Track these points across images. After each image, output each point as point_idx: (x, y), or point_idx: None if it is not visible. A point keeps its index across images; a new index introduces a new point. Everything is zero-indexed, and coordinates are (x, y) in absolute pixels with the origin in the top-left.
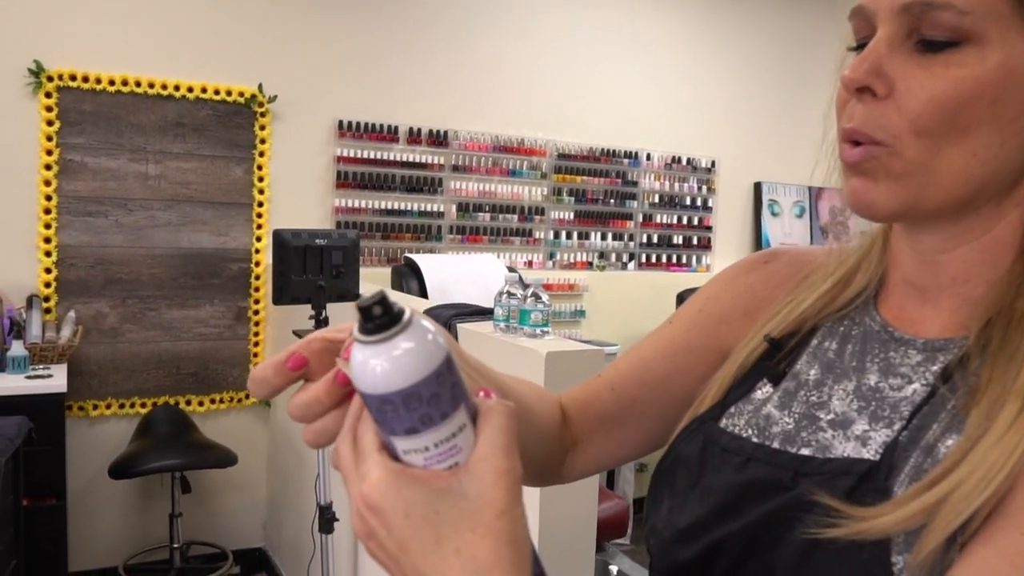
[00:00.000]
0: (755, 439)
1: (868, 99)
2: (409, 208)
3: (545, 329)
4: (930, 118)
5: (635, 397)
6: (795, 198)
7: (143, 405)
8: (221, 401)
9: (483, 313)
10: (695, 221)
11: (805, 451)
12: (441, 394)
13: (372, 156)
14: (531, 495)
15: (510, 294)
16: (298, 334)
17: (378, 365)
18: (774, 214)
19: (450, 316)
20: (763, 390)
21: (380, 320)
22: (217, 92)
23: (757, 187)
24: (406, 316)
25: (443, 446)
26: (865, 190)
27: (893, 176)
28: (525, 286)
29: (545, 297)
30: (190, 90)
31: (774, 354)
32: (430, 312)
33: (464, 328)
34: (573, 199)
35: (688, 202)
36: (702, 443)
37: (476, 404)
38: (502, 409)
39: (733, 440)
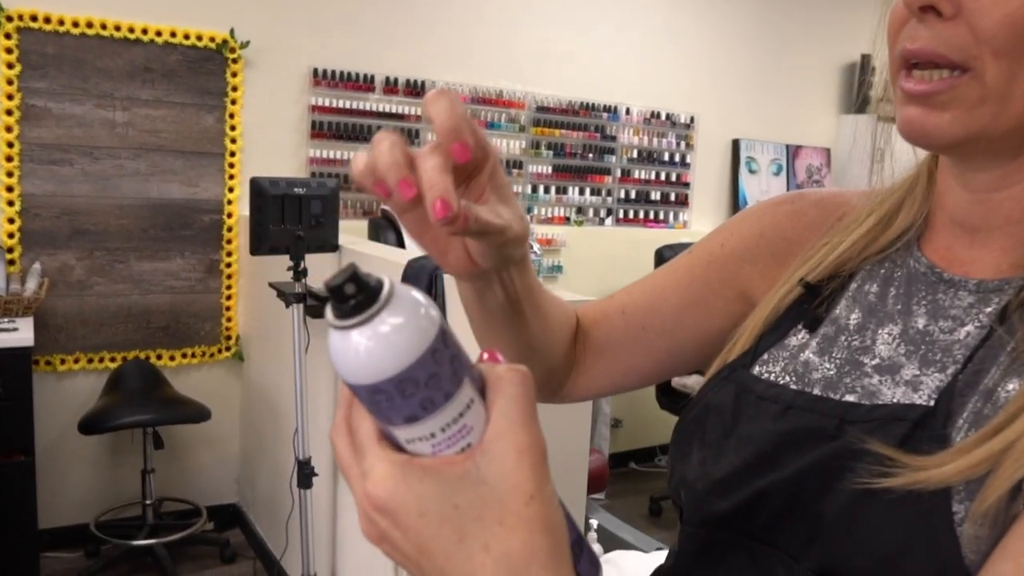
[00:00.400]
0: (794, 386)
1: (932, 19)
2: None
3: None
4: (1006, 38)
5: (646, 325)
6: (772, 156)
7: (112, 359)
8: (193, 355)
9: None
10: (673, 177)
11: (850, 397)
12: (440, 373)
13: (348, 106)
14: None
15: None
16: (275, 287)
17: (362, 351)
18: (751, 172)
19: (436, 266)
20: (798, 336)
21: (357, 299)
22: (187, 37)
23: (735, 144)
24: (386, 289)
25: (451, 429)
26: (924, 119)
27: (967, 105)
28: None
29: (536, 247)
30: (159, 34)
31: (809, 299)
32: (413, 263)
33: (452, 277)
34: (551, 153)
35: (666, 158)
36: (735, 391)
37: (483, 373)
38: (514, 376)
39: (770, 387)
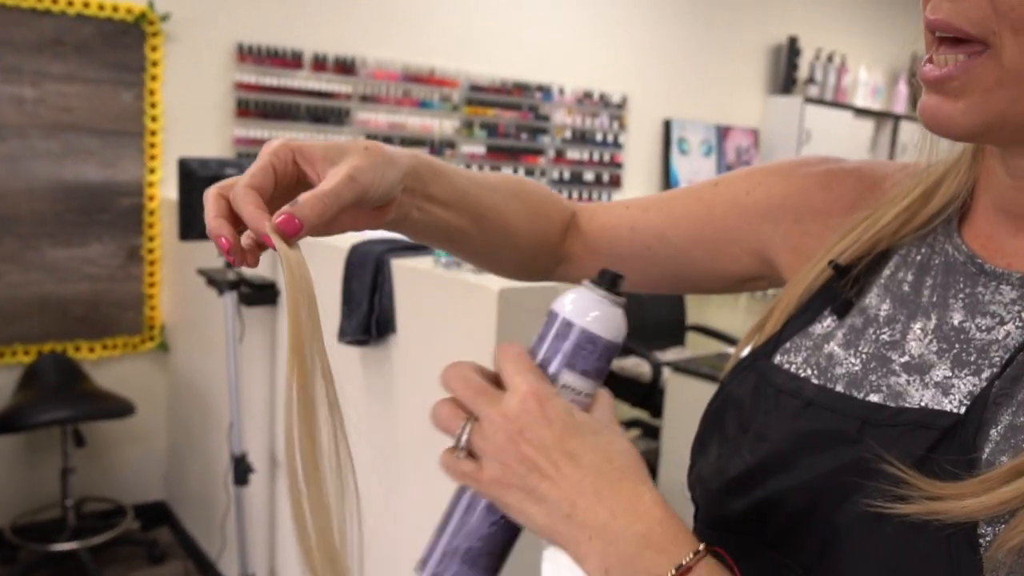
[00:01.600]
0: (815, 380)
1: None
2: (316, 140)
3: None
4: None
5: (651, 246)
6: (703, 136)
7: (26, 353)
8: (115, 347)
9: (419, 248)
10: (606, 158)
11: (874, 397)
12: (610, 362)
13: (275, 84)
14: None
15: None
16: (205, 274)
17: (619, 317)
18: (683, 152)
19: (382, 252)
20: (824, 323)
21: (616, 287)
22: (102, 8)
23: (667, 124)
24: (623, 298)
25: (586, 400)
26: (938, 107)
27: (982, 89)
28: None
29: None
30: (70, 4)
31: (839, 281)
32: (359, 247)
33: (400, 264)
34: (485, 133)
35: (599, 138)
36: (755, 382)
37: None
38: (608, 398)
39: (790, 380)
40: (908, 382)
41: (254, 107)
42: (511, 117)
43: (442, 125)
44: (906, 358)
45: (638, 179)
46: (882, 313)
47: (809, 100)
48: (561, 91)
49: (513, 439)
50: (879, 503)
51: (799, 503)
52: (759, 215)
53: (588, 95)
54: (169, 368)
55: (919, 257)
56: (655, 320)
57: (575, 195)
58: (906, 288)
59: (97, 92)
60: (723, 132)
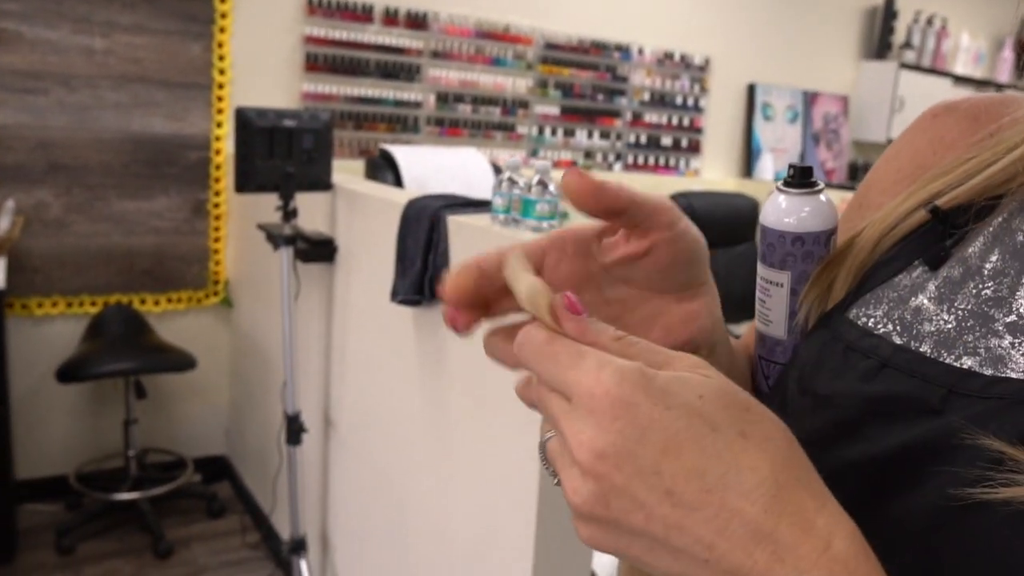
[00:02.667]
0: (897, 338)
1: None
2: (384, 96)
3: (553, 223)
4: None
5: None
6: (788, 102)
7: (93, 304)
8: (179, 300)
9: (477, 205)
10: (685, 122)
11: (967, 362)
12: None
13: (344, 38)
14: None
15: (512, 181)
16: (264, 228)
17: (824, 204)
18: (767, 118)
19: (439, 207)
20: (914, 274)
21: (808, 179)
22: None
23: (751, 89)
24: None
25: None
26: None
27: None
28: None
29: (552, 186)
30: None
31: (937, 230)
32: (415, 203)
33: (457, 221)
34: (559, 93)
35: (679, 102)
36: (823, 339)
37: None
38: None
39: (864, 336)
40: (1013, 345)
41: (322, 61)
42: (587, 77)
43: (515, 84)
44: (1013, 317)
45: (719, 145)
46: (988, 265)
47: (905, 66)
48: (640, 51)
49: (597, 474)
50: (972, 490)
51: (863, 482)
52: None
53: (669, 56)
54: (232, 324)
55: None
56: (729, 293)
57: (652, 160)
58: (1021, 238)
59: (166, 43)
60: (810, 98)
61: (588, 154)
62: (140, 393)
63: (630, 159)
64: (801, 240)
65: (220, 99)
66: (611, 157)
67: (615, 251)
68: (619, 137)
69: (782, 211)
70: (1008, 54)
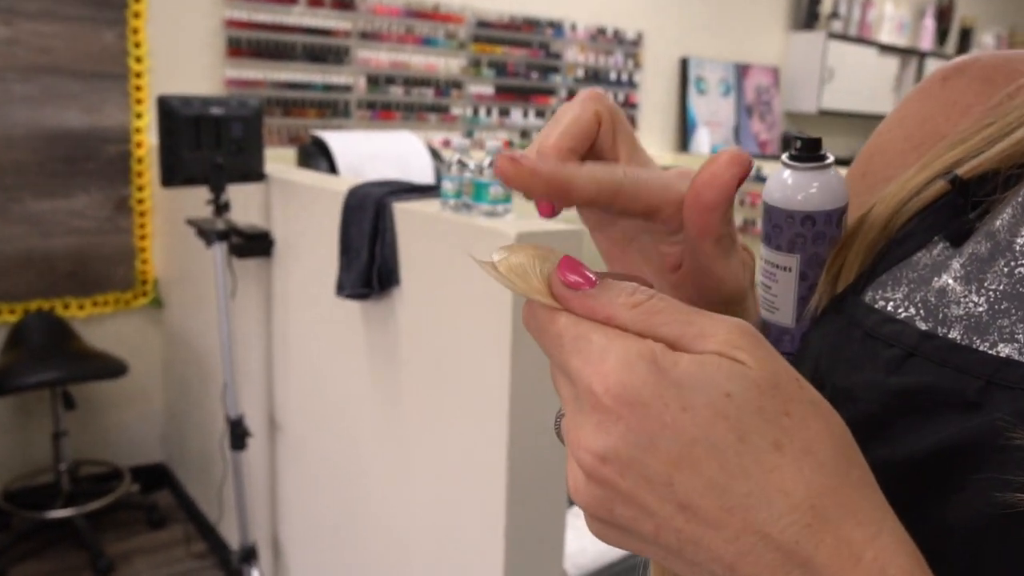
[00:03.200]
0: (921, 323)
1: None
2: (313, 81)
3: (507, 205)
4: None
5: None
6: (721, 75)
7: (12, 312)
8: (105, 303)
9: (424, 190)
10: (620, 98)
11: (1005, 349)
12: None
13: (268, 20)
14: (499, 446)
15: (462, 164)
16: (194, 224)
17: (833, 182)
18: (700, 92)
19: (383, 194)
20: (934, 251)
21: (817, 152)
22: None
23: (683, 63)
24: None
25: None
26: None
27: None
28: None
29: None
30: None
31: (958, 202)
32: (357, 191)
33: (403, 208)
34: (493, 72)
35: (613, 77)
36: (838, 326)
37: None
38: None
39: (885, 322)
40: None
41: (246, 46)
42: (520, 55)
43: (448, 64)
44: None
45: (654, 120)
46: (1020, 240)
47: (833, 36)
48: (573, 27)
49: (599, 478)
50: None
51: (894, 486)
52: (882, 184)
53: (601, 31)
54: (163, 325)
55: None
56: None
57: None
58: None
59: (76, 31)
60: (742, 71)
61: (524, 133)
62: (68, 403)
63: None
64: (812, 220)
65: (138, 88)
66: None
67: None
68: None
69: (789, 188)
70: (929, 22)
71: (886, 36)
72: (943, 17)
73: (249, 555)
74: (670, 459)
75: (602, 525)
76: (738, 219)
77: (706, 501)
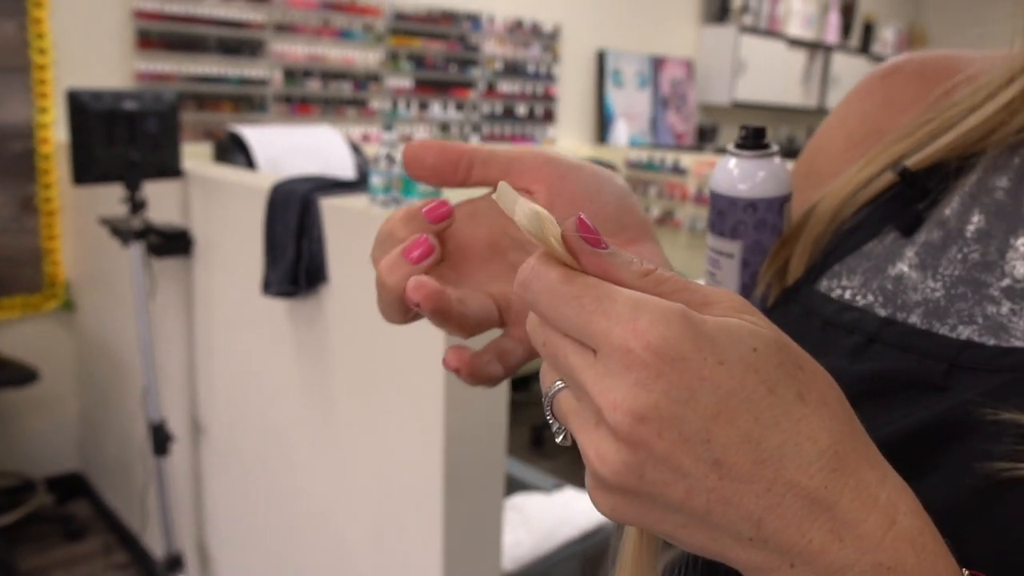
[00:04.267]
0: (881, 310)
1: None
2: (227, 74)
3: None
4: None
5: None
6: (637, 68)
7: None
8: (11, 307)
9: (350, 186)
10: (539, 91)
11: (965, 332)
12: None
13: (179, 12)
14: (434, 441)
15: (390, 159)
16: (108, 223)
17: (777, 170)
18: (617, 84)
19: (309, 190)
20: (886, 241)
21: (762, 141)
22: None
23: (600, 56)
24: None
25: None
26: None
27: None
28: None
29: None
30: None
31: (907, 195)
32: (281, 187)
33: (331, 204)
34: (412, 65)
35: (531, 70)
36: (796, 314)
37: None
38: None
39: (844, 310)
40: (1013, 312)
41: (157, 38)
42: (439, 48)
43: (366, 57)
44: (1008, 281)
45: (573, 113)
46: (970, 227)
47: (744, 29)
48: (491, 19)
49: (634, 441)
50: (1006, 465)
51: None
52: (825, 182)
53: (519, 24)
54: (76, 329)
55: (1017, 160)
56: None
57: (508, 131)
58: (1002, 196)
59: None
60: (658, 63)
61: (444, 127)
62: None
63: (486, 130)
64: (754, 207)
65: (42, 82)
66: (467, 129)
67: None
68: (474, 108)
69: (734, 176)
70: (834, 16)
71: (794, 30)
72: (847, 12)
73: (175, 564)
74: (708, 413)
75: (624, 498)
76: (656, 211)
77: (740, 455)
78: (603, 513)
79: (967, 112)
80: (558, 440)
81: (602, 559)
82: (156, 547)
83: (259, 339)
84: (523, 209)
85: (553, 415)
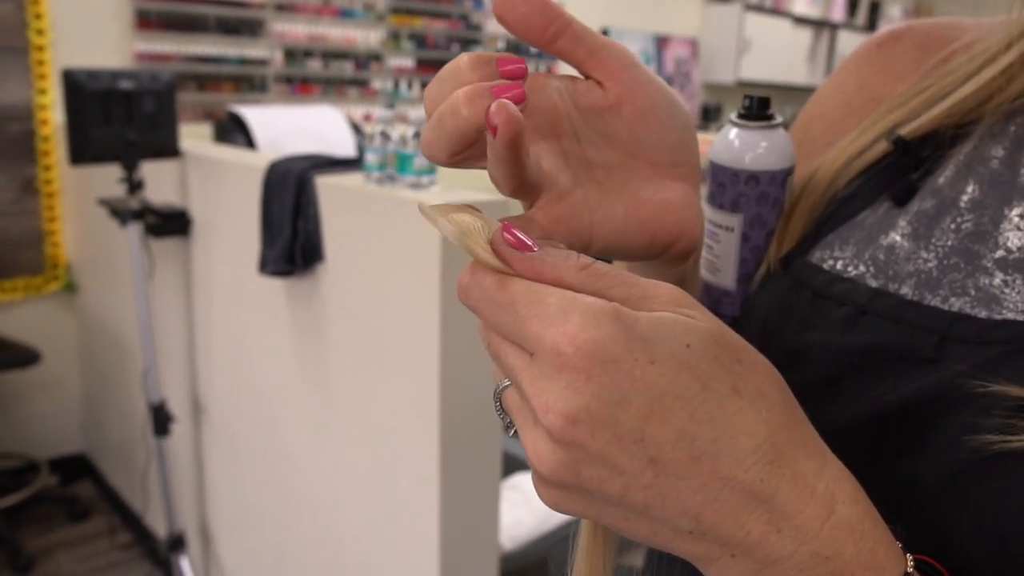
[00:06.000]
0: (872, 281)
1: None
2: (227, 54)
3: (432, 177)
4: None
5: None
6: (640, 46)
7: None
8: (14, 289)
9: (346, 163)
10: (541, 70)
11: (956, 303)
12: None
13: None
14: (431, 420)
15: (385, 136)
16: (107, 204)
17: (782, 143)
18: None
19: (305, 168)
20: (879, 211)
21: (766, 112)
22: None
23: (604, 34)
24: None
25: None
26: None
27: None
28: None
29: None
30: None
31: (901, 163)
32: (278, 165)
33: (326, 182)
34: (413, 44)
35: (534, 49)
36: (787, 286)
37: None
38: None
39: (834, 281)
40: (1005, 283)
41: (155, 18)
42: (440, 27)
43: (367, 37)
44: (1001, 252)
45: None
46: (964, 197)
47: (749, 7)
48: None
49: (567, 442)
50: (997, 437)
51: (857, 444)
52: (821, 150)
53: None
54: (78, 310)
55: (1012, 128)
56: None
57: None
58: (996, 165)
59: None
60: (662, 42)
61: None
62: None
63: None
64: (756, 179)
65: (41, 63)
66: None
67: (586, 95)
68: None
69: (735, 148)
70: None
71: (800, 7)
72: None
73: (177, 543)
74: (641, 413)
75: (563, 492)
76: None
77: (675, 452)
78: (548, 505)
79: (963, 79)
80: (509, 433)
81: None
82: (159, 527)
83: (257, 318)
84: (446, 227)
85: (503, 409)
